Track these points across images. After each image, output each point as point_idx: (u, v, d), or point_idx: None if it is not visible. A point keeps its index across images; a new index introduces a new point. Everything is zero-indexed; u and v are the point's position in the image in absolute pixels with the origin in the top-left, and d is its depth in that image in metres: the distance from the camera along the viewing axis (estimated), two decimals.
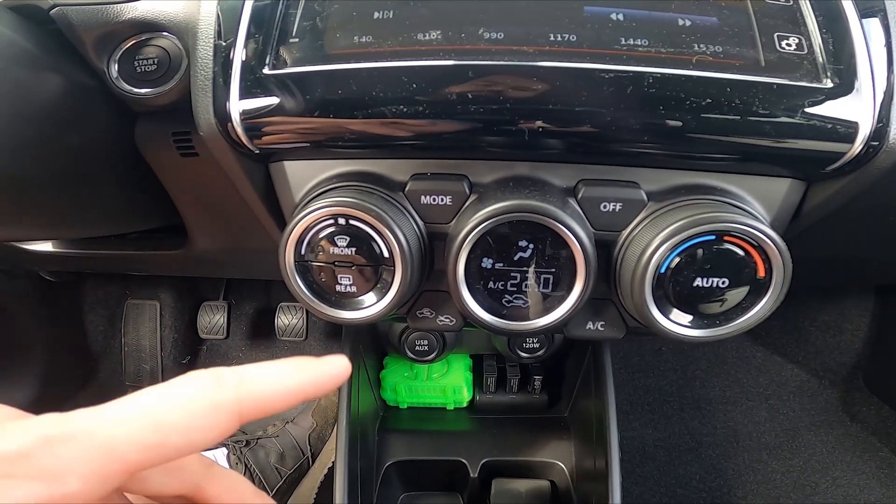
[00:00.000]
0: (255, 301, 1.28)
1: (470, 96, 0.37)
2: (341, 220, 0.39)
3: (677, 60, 0.37)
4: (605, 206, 0.40)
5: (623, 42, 0.38)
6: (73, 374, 1.23)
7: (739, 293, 0.37)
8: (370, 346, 0.80)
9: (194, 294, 1.27)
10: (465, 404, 0.81)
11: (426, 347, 0.72)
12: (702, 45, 0.37)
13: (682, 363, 1.18)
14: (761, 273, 0.37)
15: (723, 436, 1.11)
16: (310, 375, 0.23)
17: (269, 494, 0.99)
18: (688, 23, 0.38)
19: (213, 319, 1.18)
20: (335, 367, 0.24)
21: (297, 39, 0.41)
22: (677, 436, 1.12)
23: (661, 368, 1.18)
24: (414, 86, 0.38)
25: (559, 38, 0.38)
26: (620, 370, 1.18)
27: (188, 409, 0.20)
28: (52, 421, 0.19)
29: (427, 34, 0.39)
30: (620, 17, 0.39)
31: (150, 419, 0.20)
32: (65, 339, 1.21)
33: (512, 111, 0.37)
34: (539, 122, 0.37)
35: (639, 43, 0.38)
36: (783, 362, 1.16)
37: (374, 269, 0.40)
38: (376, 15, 0.40)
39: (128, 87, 0.47)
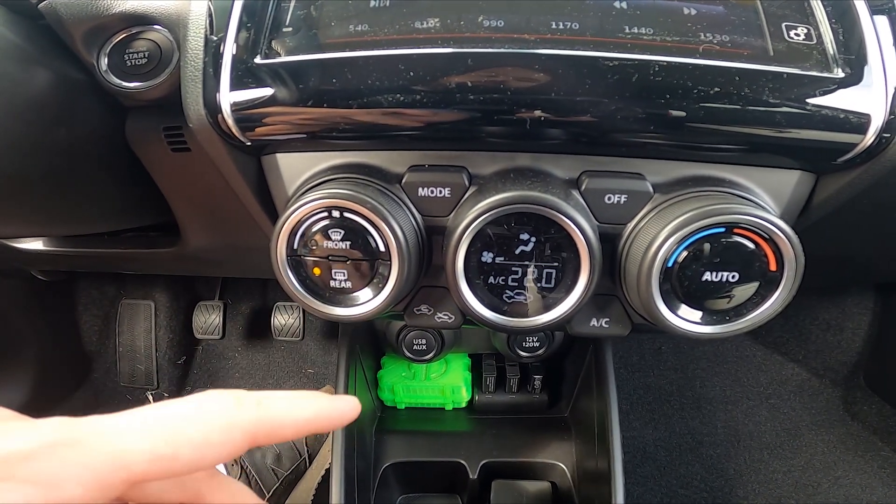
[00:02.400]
0: (251, 301, 1.27)
1: (469, 85, 0.36)
2: (335, 213, 0.38)
3: (683, 49, 0.36)
4: (609, 198, 0.39)
5: (627, 30, 0.37)
6: (68, 375, 1.22)
7: (750, 288, 0.36)
8: (367, 346, 0.79)
9: (189, 294, 1.26)
10: (463, 404, 0.79)
11: (424, 347, 0.71)
12: (708, 34, 0.36)
13: (682, 362, 1.17)
14: (772, 267, 0.36)
15: (723, 435, 1.11)
16: (324, 410, 0.24)
17: (265, 496, 0.97)
18: (693, 11, 0.37)
19: (208, 319, 1.17)
20: (347, 406, 0.25)
21: (290, 29, 0.39)
22: (678, 435, 1.11)
23: (660, 367, 1.18)
24: (411, 74, 0.37)
25: (561, 26, 0.37)
26: (620, 369, 1.18)
27: (204, 424, 0.20)
28: (61, 424, 0.19)
29: (425, 22, 0.38)
30: (624, 5, 0.38)
31: (164, 431, 0.20)
32: (58, 339, 1.20)
33: (512, 100, 0.36)
34: (540, 112, 0.36)
35: (643, 31, 0.37)
36: (783, 361, 1.16)
37: (369, 264, 0.39)
38: (373, 3, 0.39)
39: (117, 81, 0.45)
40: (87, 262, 0.81)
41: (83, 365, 1.25)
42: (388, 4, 0.39)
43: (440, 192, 0.40)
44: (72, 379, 1.23)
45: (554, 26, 0.37)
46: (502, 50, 0.36)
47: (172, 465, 0.19)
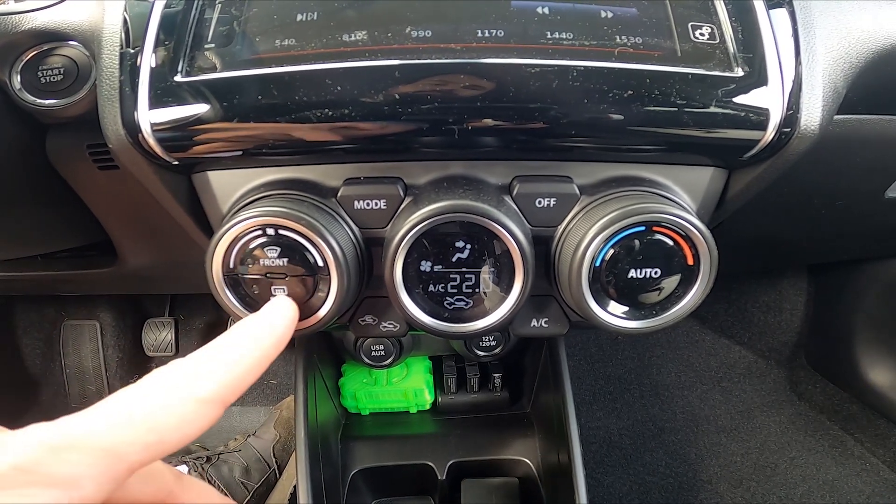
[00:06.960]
0: (204, 315, 1.24)
1: (397, 97, 0.36)
2: (270, 231, 0.37)
3: (600, 53, 0.37)
4: (539, 202, 0.40)
5: (549, 35, 0.38)
6: (12, 399, 1.18)
7: (672, 282, 0.38)
8: (326, 355, 0.78)
9: (137, 312, 1.22)
10: (427, 407, 0.80)
11: (382, 352, 0.70)
12: (623, 37, 0.38)
13: (639, 351, 1.21)
14: (690, 261, 0.37)
15: (682, 421, 1.14)
16: (264, 338, 0.26)
17: None
18: (610, 14, 0.38)
19: (159, 337, 1.14)
20: (277, 313, 0.27)
21: (212, 45, 0.39)
22: (640, 423, 1.15)
23: (619, 357, 1.21)
24: (340, 88, 0.37)
25: (487, 34, 0.38)
26: (580, 361, 1.20)
27: (177, 406, 0.22)
28: (49, 429, 0.19)
29: (353, 35, 0.38)
30: (546, 10, 0.39)
31: (145, 420, 0.21)
32: None
33: (440, 110, 0.37)
34: (468, 120, 0.37)
35: (564, 36, 0.38)
36: (731, 344, 1.20)
37: (309, 280, 0.39)
38: (299, 17, 0.39)
39: (32, 99, 0.44)
40: (20, 285, 0.77)
41: (28, 388, 1.20)
42: (315, 18, 0.39)
43: (376, 204, 0.40)
44: (17, 402, 1.18)
45: (480, 34, 0.38)
46: (430, 61, 0.37)
47: (162, 449, 0.21)
